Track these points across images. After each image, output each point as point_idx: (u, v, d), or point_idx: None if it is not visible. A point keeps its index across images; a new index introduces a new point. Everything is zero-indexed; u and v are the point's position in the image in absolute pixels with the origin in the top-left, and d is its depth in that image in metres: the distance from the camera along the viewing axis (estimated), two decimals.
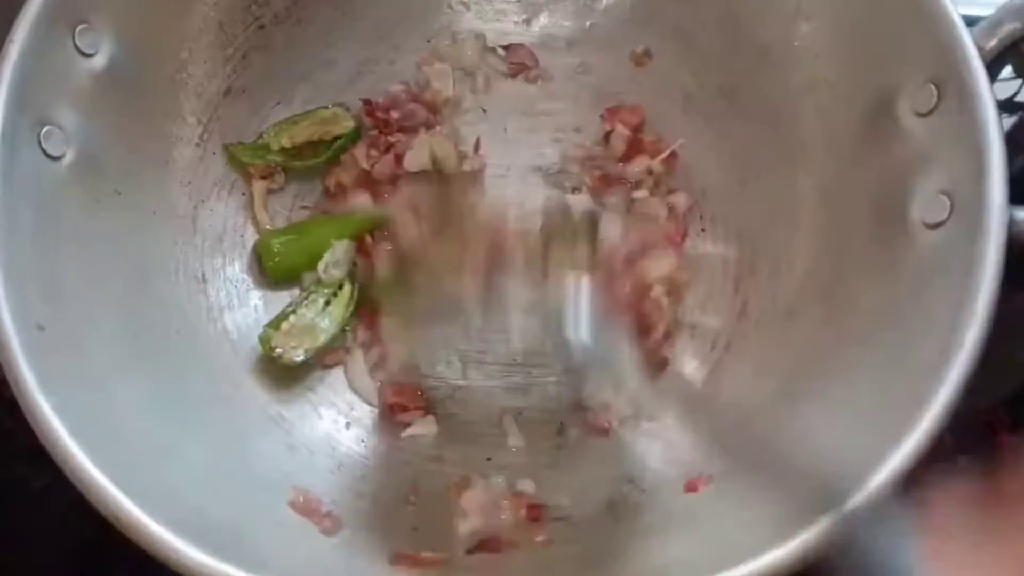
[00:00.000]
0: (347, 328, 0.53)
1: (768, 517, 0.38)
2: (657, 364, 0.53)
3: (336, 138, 0.56)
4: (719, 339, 0.53)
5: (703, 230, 0.56)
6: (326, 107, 0.57)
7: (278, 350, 0.50)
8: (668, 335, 0.53)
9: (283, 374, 0.51)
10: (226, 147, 0.54)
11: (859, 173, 0.48)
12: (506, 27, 0.60)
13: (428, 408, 0.52)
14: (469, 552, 0.45)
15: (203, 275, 0.52)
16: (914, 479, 0.36)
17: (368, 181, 0.56)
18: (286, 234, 0.54)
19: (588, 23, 0.59)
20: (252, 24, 0.54)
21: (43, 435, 0.36)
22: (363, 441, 0.51)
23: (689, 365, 0.53)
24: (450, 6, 0.59)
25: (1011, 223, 0.40)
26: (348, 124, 0.57)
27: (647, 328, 0.53)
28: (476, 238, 0.48)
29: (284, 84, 0.56)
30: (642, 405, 0.51)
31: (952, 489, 0.35)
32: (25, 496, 0.51)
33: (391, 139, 0.57)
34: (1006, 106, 0.52)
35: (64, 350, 0.39)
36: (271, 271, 0.54)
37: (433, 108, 0.58)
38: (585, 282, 0.47)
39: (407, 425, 0.51)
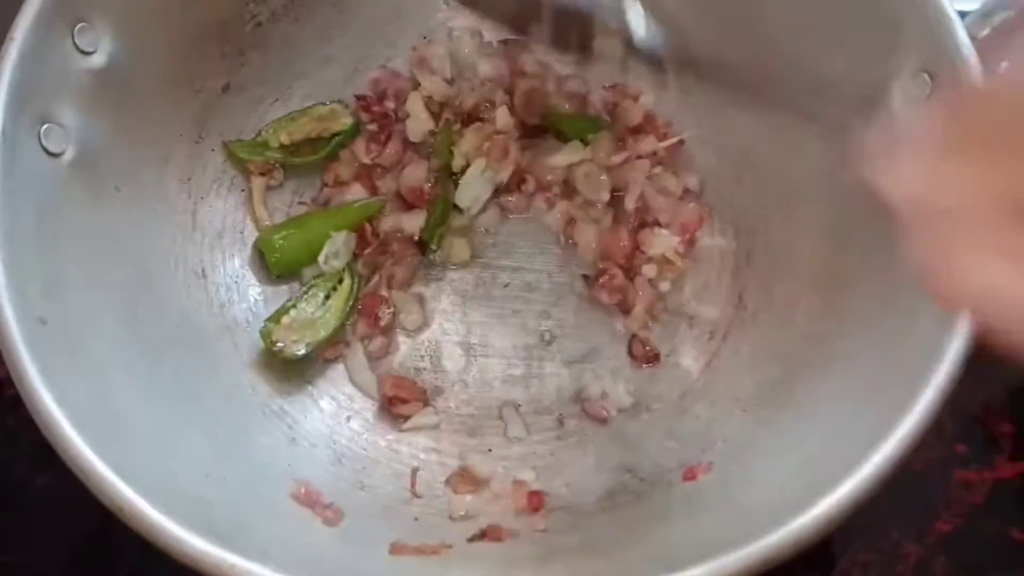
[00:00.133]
0: (347, 322, 0.53)
1: (765, 504, 0.39)
2: (648, 358, 0.53)
3: (334, 135, 0.57)
4: (717, 330, 0.53)
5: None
6: (324, 104, 0.57)
7: (279, 344, 0.51)
8: (653, 319, 0.54)
9: (284, 368, 0.51)
10: (225, 144, 0.54)
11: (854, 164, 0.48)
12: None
13: (428, 400, 0.52)
14: (470, 541, 0.45)
15: (203, 270, 0.52)
16: None
17: (365, 173, 0.57)
18: (286, 228, 0.55)
19: None
20: (250, 22, 0.54)
21: (45, 427, 0.36)
22: (364, 434, 0.51)
23: (687, 355, 0.53)
24: (446, 2, 0.60)
25: None
26: (346, 120, 0.57)
27: (627, 307, 0.54)
28: None
29: (282, 81, 0.56)
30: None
31: None
32: (28, 494, 0.51)
33: (395, 128, 0.57)
34: None
35: (66, 343, 0.39)
36: (275, 266, 0.54)
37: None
38: None
39: (407, 417, 0.52)
